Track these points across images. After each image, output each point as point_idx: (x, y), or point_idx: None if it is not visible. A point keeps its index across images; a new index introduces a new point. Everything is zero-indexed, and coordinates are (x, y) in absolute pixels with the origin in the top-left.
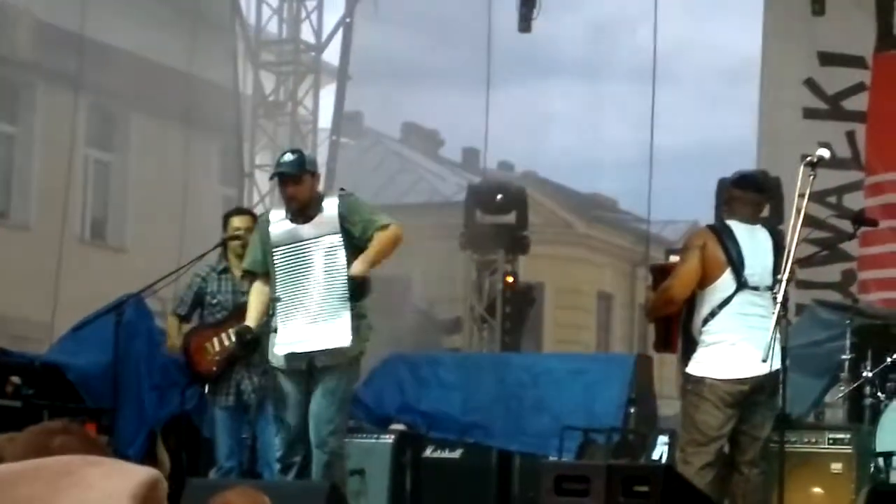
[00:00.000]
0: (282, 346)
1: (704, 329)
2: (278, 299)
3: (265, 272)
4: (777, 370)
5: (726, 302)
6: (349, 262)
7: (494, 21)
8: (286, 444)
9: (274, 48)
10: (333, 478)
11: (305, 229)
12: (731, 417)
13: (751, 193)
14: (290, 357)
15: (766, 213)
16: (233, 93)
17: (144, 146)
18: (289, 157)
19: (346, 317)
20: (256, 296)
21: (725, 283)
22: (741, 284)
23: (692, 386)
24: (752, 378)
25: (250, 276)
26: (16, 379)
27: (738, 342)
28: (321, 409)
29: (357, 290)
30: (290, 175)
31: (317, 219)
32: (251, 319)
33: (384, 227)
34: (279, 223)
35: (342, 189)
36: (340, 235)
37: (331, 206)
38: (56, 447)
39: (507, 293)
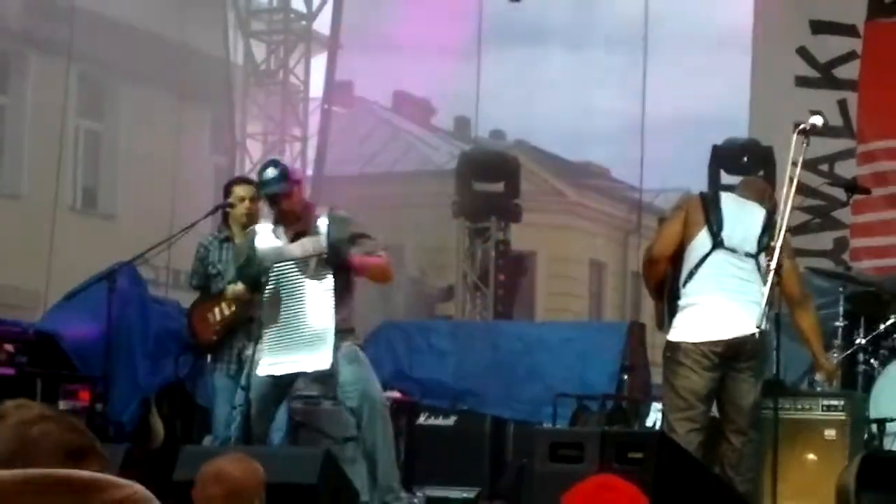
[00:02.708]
0: (263, 367)
1: (683, 292)
2: (262, 323)
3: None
4: (756, 334)
5: (702, 262)
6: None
7: None
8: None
9: (264, 17)
10: None
11: (294, 248)
12: (711, 381)
13: (759, 181)
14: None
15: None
16: (223, 62)
17: (135, 115)
18: (271, 172)
19: (329, 342)
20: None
21: (702, 241)
22: (717, 244)
23: (670, 353)
24: (724, 341)
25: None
26: (9, 347)
27: (711, 304)
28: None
29: (339, 253)
30: (281, 193)
31: (305, 237)
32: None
33: (382, 259)
34: (265, 236)
35: (333, 209)
36: (326, 255)
37: (323, 221)
38: (36, 436)
39: (499, 261)
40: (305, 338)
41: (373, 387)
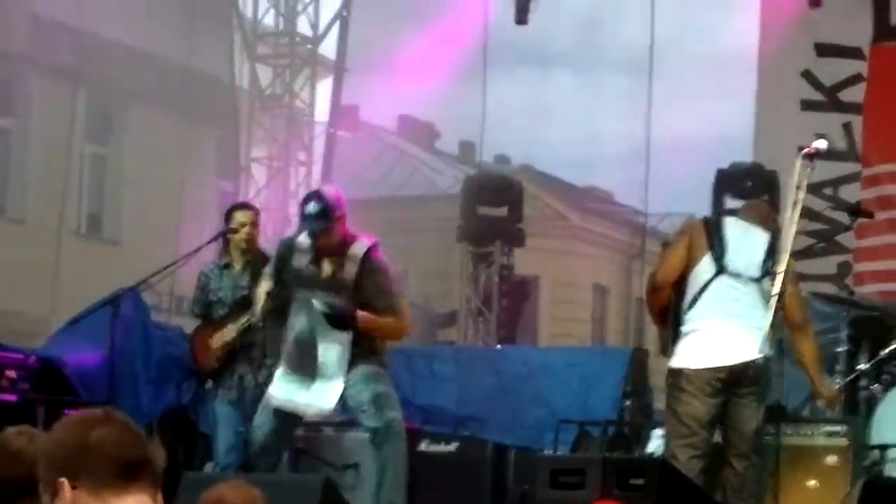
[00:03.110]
0: (275, 397)
1: (686, 318)
2: (275, 354)
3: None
4: (759, 360)
5: (706, 287)
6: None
7: (491, 13)
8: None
9: (270, 41)
10: None
11: (324, 271)
12: (714, 407)
13: (763, 205)
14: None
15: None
16: (229, 86)
17: (140, 139)
18: (313, 207)
19: (339, 383)
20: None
21: (705, 267)
22: (720, 269)
23: (673, 379)
24: (728, 367)
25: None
26: (11, 373)
27: (714, 330)
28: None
29: (335, 316)
30: (318, 231)
31: (338, 262)
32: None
33: (399, 313)
34: (301, 254)
35: (374, 242)
36: (352, 291)
37: (356, 254)
38: (93, 441)
39: (502, 286)
40: (313, 374)
41: (390, 406)
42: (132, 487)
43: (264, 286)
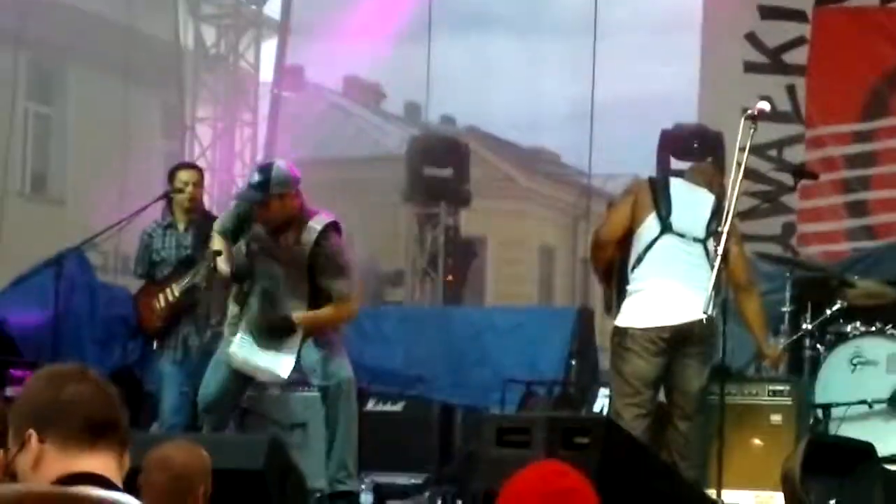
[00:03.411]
0: (234, 358)
1: (631, 277)
2: (241, 311)
3: (233, 240)
4: (705, 320)
5: (650, 246)
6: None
7: None
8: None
9: (215, 1)
10: None
11: (280, 250)
12: (658, 366)
13: (708, 167)
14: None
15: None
16: (173, 46)
17: (85, 99)
18: (254, 177)
19: (294, 351)
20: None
21: (650, 226)
22: (665, 228)
23: (617, 338)
24: (672, 326)
25: (222, 235)
26: None
27: (659, 289)
28: None
29: (278, 326)
30: (255, 203)
31: (291, 244)
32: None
33: (343, 298)
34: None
35: (330, 223)
36: (306, 269)
37: (312, 230)
38: (66, 396)
39: (449, 247)
40: (267, 342)
41: (339, 365)
42: (100, 445)
43: (216, 244)
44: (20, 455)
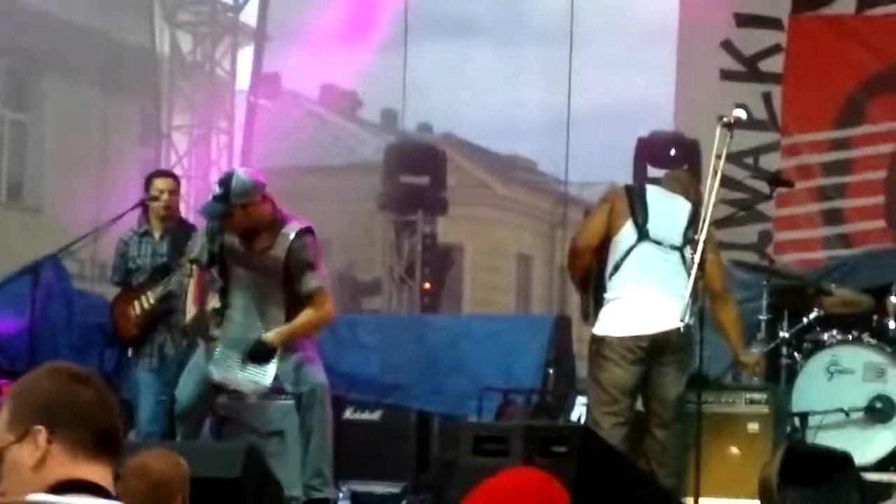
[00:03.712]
0: (215, 373)
1: (608, 285)
2: (222, 314)
3: (209, 266)
4: (682, 328)
5: (627, 254)
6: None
7: None
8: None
9: (191, 8)
10: None
11: (252, 258)
12: (636, 375)
13: (684, 174)
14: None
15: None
16: (150, 53)
17: (61, 106)
18: (217, 189)
19: (274, 361)
20: (196, 287)
21: (627, 234)
22: (642, 235)
23: (595, 346)
24: (650, 335)
25: (196, 263)
26: None
27: (636, 297)
28: None
29: (258, 352)
30: (216, 214)
31: (265, 251)
32: (190, 313)
33: (317, 300)
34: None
35: (304, 229)
36: (281, 276)
37: (285, 237)
38: (83, 401)
39: (426, 254)
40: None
41: (313, 371)
42: (103, 455)
43: (193, 255)
44: (18, 446)
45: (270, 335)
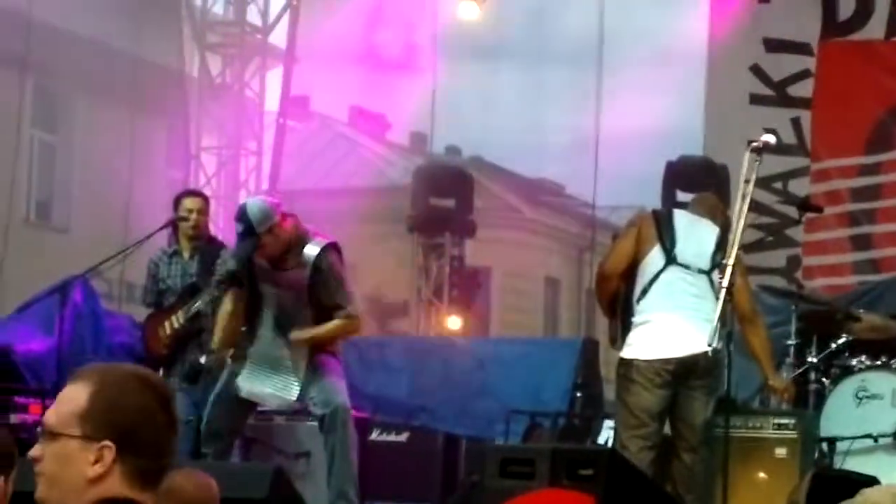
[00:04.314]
0: (242, 388)
1: (636, 309)
2: (249, 340)
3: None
4: (710, 352)
5: (655, 278)
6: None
7: (442, 4)
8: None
9: (220, 30)
10: None
11: (279, 275)
12: (664, 398)
13: (711, 197)
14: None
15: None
16: (179, 74)
17: (90, 127)
18: (239, 227)
19: (300, 374)
20: (226, 316)
21: (655, 258)
22: (669, 259)
23: (623, 370)
24: (678, 359)
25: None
26: None
27: (664, 321)
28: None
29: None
30: (252, 249)
31: (291, 268)
32: (216, 342)
33: (349, 316)
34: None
35: (325, 248)
36: (307, 292)
37: (310, 255)
38: (157, 429)
39: (453, 277)
40: (275, 372)
41: (336, 393)
42: (155, 484)
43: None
44: (81, 447)
45: (296, 336)
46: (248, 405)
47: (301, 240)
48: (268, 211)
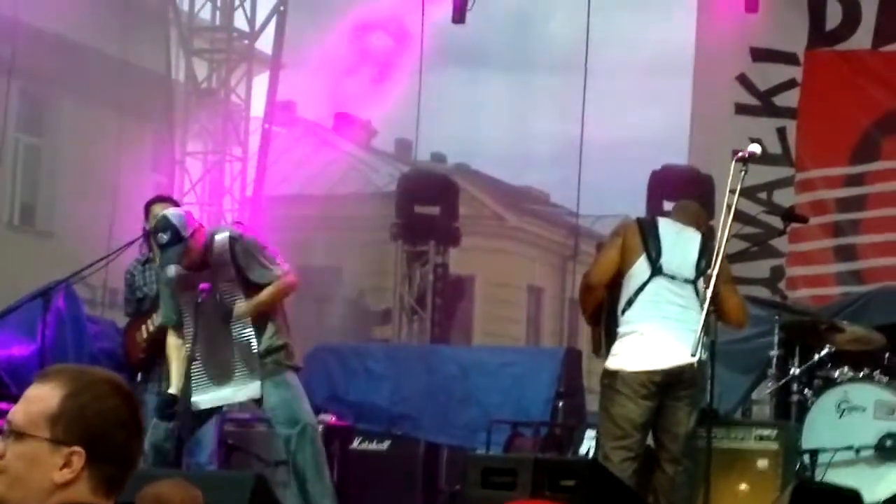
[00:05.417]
0: (196, 399)
1: (622, 319)
2: (192, 356)
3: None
4: (695, 363)
5: (641, 289)
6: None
7: (428, 11)
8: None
9: (207, 35)
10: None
11: (205, 275)
12: (648, 409)
13: (693, 205)
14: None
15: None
16: (165, 79)
17: (75, 131)
18: (163, 238)
19: (255, 373)
20: (175, 354)
21: (640, 268)
22: (655, 270)
23: (608, 380)
24: (663, 370)
25: (173, 328)
26: None
27: (650, 332)
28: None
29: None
30: (181, 255)
31: (213, 263)
32: (174, 386)
33: (280, 276)
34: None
35: (233, 231)
36: (235, 280)
37: (221, 246)
38: (132, 446)
39: (437, 284)
40: (230, 373)
41: (300, 409)
42: (114, 495)
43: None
44: (50, 451)
45: (241, 307)
46: (211, 409)
47: (211, 236)
48: (185, 217)
